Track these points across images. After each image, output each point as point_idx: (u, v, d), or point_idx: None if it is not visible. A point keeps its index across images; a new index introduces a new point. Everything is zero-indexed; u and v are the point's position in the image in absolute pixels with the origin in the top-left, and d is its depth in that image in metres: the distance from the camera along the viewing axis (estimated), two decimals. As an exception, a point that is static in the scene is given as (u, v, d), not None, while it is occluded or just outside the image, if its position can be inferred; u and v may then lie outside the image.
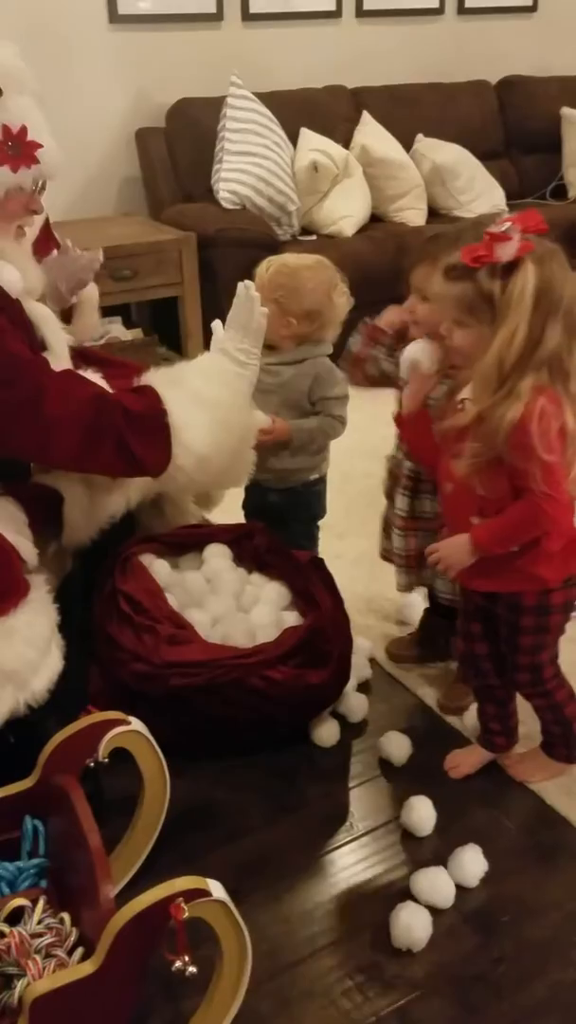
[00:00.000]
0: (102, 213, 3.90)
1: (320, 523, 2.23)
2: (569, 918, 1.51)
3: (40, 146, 1.65)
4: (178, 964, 1.12)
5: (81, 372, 1.78)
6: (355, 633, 1.95)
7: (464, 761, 1.79)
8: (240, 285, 1.80)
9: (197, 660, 1.74)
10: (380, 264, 3.49)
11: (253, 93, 3.75)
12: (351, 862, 1.62)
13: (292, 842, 1.65)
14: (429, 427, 1.59)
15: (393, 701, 2.00)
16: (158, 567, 1.99)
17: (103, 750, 1.40)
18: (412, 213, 4.04)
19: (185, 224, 3.57)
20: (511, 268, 1.35)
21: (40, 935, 1.27)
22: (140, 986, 1.23)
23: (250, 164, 3.65)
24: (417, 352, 1.63)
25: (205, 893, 1.15)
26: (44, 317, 1.82)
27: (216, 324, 1.88)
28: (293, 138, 3.87)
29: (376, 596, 2.31)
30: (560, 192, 4.55)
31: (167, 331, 3.67)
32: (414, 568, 1.93)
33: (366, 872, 1.60)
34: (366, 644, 2.10)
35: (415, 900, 1.50)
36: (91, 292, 2.12)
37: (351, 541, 2.40)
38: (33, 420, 1.61)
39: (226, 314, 1.84)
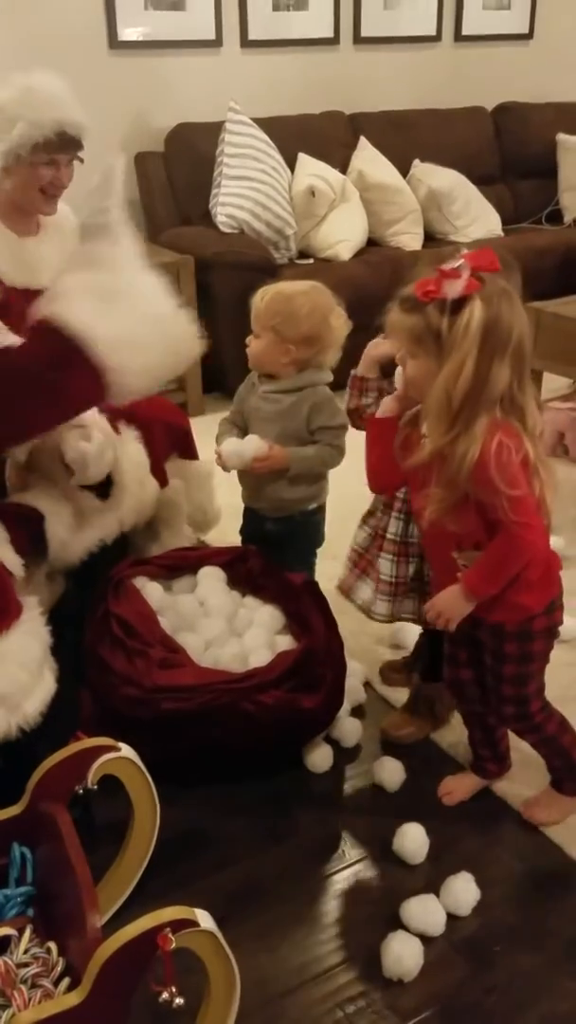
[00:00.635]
0: (101, 236, 3.92)
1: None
2: (562, 948, 1.49)
3: None
4: (165, 995, 1.11)
5: None
6: (349, 657, 1.94)
7: (457, 787, 1.78)
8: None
9: (189, 684, 1.73)
10: (376, 288, 3.47)
11: (251, 118, 3.79)
12: (342, 890, 1.60)
13: (283, 870, 1.64)
14: (392, 438, 1.58)
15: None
16: (151, 590, 1.99)
17: (92, 777, 1.39)
18: (408, 237, 4.07)
19: (183, 247, 3.59)
20: (460, 305, 1.35)
21: (26, 965, 1.26)
22: (126, 1018, 1.22)
23: (248, 188, 3.67)
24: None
25: (193, 923, 1.14)
26: None
27: None
28: (291, 163, 3.90)
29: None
30: (556, 217, 4.59)
31: (164, 353, 3.69)
32: (399, 596, 1.84)
33: (357, 900, 1.58)
34: (360, 668, 2.09)
35: (406, 928, 1.49)
36: None
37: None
38: None
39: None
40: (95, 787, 1.40)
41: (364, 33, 4.27)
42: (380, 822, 1.73)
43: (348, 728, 1.92)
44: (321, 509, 2.12)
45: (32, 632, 1.61)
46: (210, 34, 3.90)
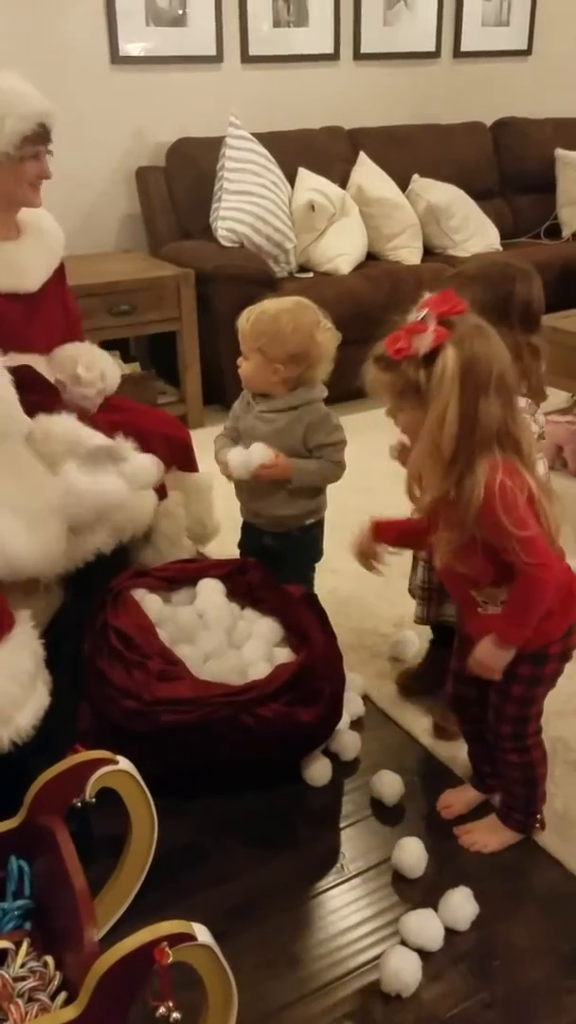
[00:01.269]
0: (102, 249, 3.94)
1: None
2: (561, 963, 1.49)
3: None
4: (162, 1010, 1.11)
5: None
6: (348, 669, 1.94)
7: (456, 801, 1.78)
8: None
9: (187, 697, 1.73)
10: (375, 301, 3.55)
11: (251, 133, 3.81)
12: (341, 904, 1.60)
13: (281, 884, 1.63)
14: (394, 533, 1.65)
15: (386, 739, 1.98)
16: (150, 602, 1.99)
17: (90, 790, 1.39)
18: (407, 252, 4.09)
19: (183, 261, 3.61)
20: (433, 354, 1.34)
21: (23, 978, 1.25)
22: (123, 1032, 1.21)
23: (248, 203, 3.70)
24: None
25: (190, 937, 1.14)
26: None
27: None
28: (291, 177, 3.92)
29: (369, 632, 2.30)
30: (554, 231, 4.61)
31: (165, 365, 3.70)
32: (433, 601, 1.97)
33: (356, 915, 1.58)
34: (359, 680, 2.09)
35: (404, 943, 1.48)
36: None
37: (344, 576, 2.40)
38: None
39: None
40: (93, 800, 1.39)
41: (364, 49, 4.30)
42: (379, 836, 1.73)
43: (347, 741, 1.91)
44: (319, 524, 2.12)
45: (24, 645, 1.62)
46: (211, 50, 3.93)
